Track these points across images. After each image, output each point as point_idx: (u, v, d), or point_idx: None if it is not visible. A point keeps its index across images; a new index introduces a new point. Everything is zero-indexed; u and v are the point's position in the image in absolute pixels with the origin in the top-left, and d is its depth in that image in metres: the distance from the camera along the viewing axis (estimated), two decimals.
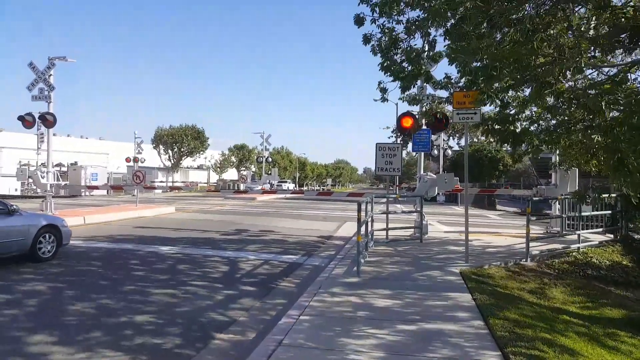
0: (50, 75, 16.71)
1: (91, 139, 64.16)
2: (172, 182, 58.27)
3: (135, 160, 38.96)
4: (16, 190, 38.62)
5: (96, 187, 22.36)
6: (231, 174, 70.65)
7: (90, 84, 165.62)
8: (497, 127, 6.63)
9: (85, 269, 8.42)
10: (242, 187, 58.42)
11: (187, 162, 63.26)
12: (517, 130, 6.66)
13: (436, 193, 12.66)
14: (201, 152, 61.42)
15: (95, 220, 16.58)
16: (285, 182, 63.12)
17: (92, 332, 5.08)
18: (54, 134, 19.44)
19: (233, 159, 68.28)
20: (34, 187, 17.33)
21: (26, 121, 16.59)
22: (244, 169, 64.99)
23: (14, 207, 8.67)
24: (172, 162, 59.41)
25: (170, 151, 58.88)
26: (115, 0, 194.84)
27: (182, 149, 58.77)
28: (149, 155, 51.77)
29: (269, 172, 50.79)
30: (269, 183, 47.26)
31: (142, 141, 43.71)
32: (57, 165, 36.97)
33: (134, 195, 28.22)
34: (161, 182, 54.18)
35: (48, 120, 16.46)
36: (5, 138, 48.21)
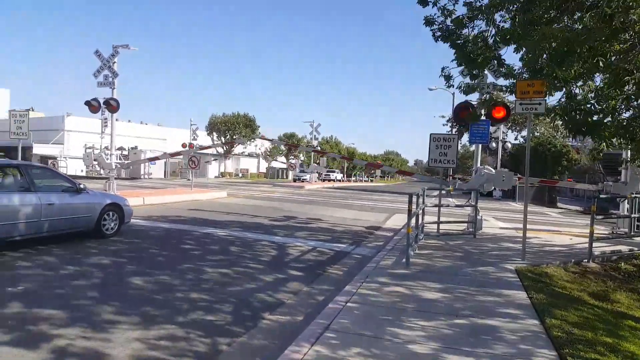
0: (114, 62, 17.61)
1: (150, 125, 67.15)
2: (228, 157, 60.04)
3: (191, 146, 40.50)
4: (82, 171, 41.47)
5: (157, 158, 24.91)
6: (281, 162, 71.81)
7: (151, 72, 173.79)
8: (567, 117, 6.19)
9: (145, 246, 8.89)
10: (290, 175, 59.34)
11: (238, 149, 64.95)
12: (591, 120, 6.21)
13: (492, 188, 12.14)
14: (252, 140, 62.82)
15: (153, 201, 17.49)
16: (334, 171, 63.30)
17: (150, 304, 5.35)
18: (117, 119, 20.62)
19: (282, 147, 69.27)
20: (98, 169, 18.61)
21: (92, 106, 17.60)
22: (293, 157, 65.78)
23: (82, 185, 9.19)
24: (225, 148, 61.22)
25: (223, 138, 60.65)
26: None
27: (234, 136, 60.39)
28: (203, 141, 53.69)
29: (318, 162, 51.14)
30: (316, 172, 47.66)
31: (197, 128, 45.47)
32: (118, 148, 39.25)
33: (189, 180, 29.46)
34: (214, 157, 55.97)
35: (112, 106, 17.42)
36: (72, 122, 51.55)
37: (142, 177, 42.92)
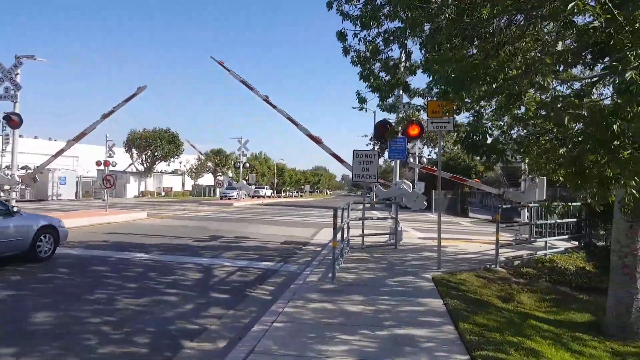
0: (17, 74, 16.21)
1: (60, 142, 61.90)
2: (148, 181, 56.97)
3: (106, 163, 37.97)
4: None
5: (62, 151, 18.44)
6: (207, 179, 69.76)
7: (61, 84, 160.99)
8: (469, 140, 6.82)
9: (52, 276, 8.15)
10: (218, 192, 57.81)
11: (160, 166, 62.14)
12: (488, 142, 6.89)
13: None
14: (175, 157, 60.43)
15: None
16: (263, 187, 62.81)
17: (57, 341, 4.92)
18: (20, 135, 18.80)
19: (209, 164, 67.49)
20: None
21: None
22: (220, 174, 64.29)
23: (15, 208, 9.09)
24: (145, 166, 58.23)
25: (143, 155, 57.68)
26: None
27: (155, 153, 57.69)
28: (121, 159, 50.65)
29: (247, 178, 50.40)
30: (244, 189, 46.70)
31: (114, 144, 42.77)
32: (23, 167, 35.65)
33: (104, 200, 27.56)
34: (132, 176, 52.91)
35: (13, 121, 15.93)
36: None
37: (49, 198, 39.28)
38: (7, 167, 17.86)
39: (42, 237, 9.25)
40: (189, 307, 6.43)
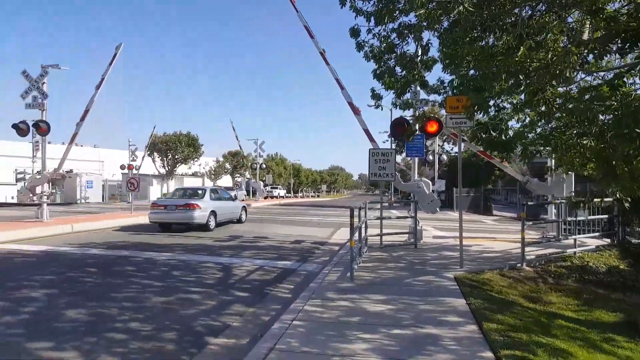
0: (44, 83, 16.77)
1: (86, 147, 63.62)
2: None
3: (130, 167, 38.80)
4: (12, 198, 38.30)
5: (75, 136, 16.89)
6: (226, 181, 70.48)
7: (84, 91, 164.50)
8: (484, 135, 6.63)
9: (80, 276, 8.34)
10: (237, 194, 58.08)
11: (181, 169, 63.06)
12: (505, 138, 6.68)
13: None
14: (195, 159, 61.28)
15: (90, 227, 16.51)
16: (277, 188, 63.47)
17: (86, 337, 5.05)
18: (49, 142, 19.37)
19: (227, 165, 68.18)
20: (31, 195, 17.60)
21: (20, 129, 16.66)
22: (238, 175, 64.84)
23: (235, 195, 20.26)
24: (167, 169, 59.20)
25: (164, 158, 58.70)
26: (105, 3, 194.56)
27: (176, 156, 58.62)
28: (144, 162, 51.58)
29: (264, 179, 50.60)
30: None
31: (137, 148, 43.60)
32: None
33: (129, 203, 28.09)
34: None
35: (42, 128, 16.55)
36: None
37: (78, 201, 40.35)
38: (38, 172, 18.43)
39: (243, 211, 19.29)
40: (212, 305, 6.50)
